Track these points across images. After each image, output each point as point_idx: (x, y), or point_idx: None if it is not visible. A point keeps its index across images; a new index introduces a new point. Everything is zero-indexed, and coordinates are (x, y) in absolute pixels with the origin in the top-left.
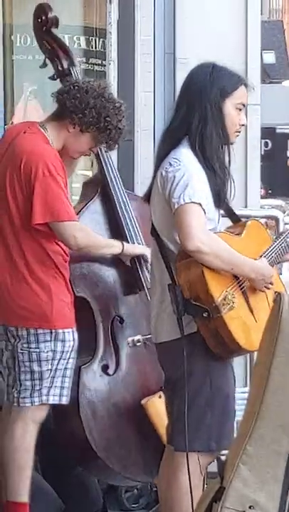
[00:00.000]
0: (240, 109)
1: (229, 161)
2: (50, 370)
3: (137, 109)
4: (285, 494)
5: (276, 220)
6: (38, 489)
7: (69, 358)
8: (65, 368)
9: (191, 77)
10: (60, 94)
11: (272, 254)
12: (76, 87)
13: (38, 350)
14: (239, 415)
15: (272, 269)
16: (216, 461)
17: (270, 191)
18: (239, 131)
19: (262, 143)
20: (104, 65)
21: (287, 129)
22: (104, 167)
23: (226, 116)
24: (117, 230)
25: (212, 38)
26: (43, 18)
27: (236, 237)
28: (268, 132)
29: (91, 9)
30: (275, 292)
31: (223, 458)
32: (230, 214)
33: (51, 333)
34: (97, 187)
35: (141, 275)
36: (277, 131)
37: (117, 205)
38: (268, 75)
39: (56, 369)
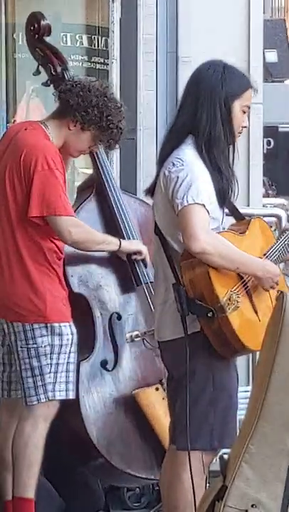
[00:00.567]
0: (244, 112)
1: (233, 161)
2: (50, 364)
3: (140, 107)
4: (287, 493)
5: (279, 218)
6: (39, 488)
7: (70, 352)
8: (68, 363)
9: (199, 75)
10: (63, 92)
11: (276, 253)
12: (78, 85)
13: (35, 345)
14: (242, 414)
15: (278, 268)
16: (218, 459)
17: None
18: (240, 133)
19: (264, 142)
20: (107, 64)
21: None
22: (99, 165)
23: (233, 117)
24: (113, 228)
25: (214, 37)
26: (36, 26)
27: (240, 236)
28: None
29: (93, 8)
30: (278, 291)
31: (225, 456)
32: (233, 212)
33: (46, 327)
34: (92, 187)
35: (138, 270)
36: (280, 129)
37: (113, 203)
38: (271, 73)
39: (58, 363)
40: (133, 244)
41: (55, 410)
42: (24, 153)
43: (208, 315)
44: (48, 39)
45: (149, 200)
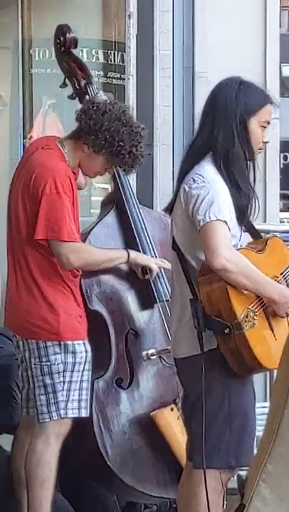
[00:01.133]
0: (264, 127)
1: (254, 178)
2: (63, 382)
3: (156, 123)
4: None
5: None
6: (56, 505)
7: (83, 370)
8: (81, 381)
9: (217, 93)
10: (81, 113)
11: None
12: (94, 108)
13: (48, 363)
14: (260, 430)
15: None
16: (235, 477)
17: None
18: (262, 149)
19: (281, 156)
20: (123, 79)
21: None
22: (118, 180)
23: (251, 134)
24: (132, 243)
25: (231, 52)
26: (62, 39)
27: (258, 254)
28: (287, 146)
29: (110, 23)
30: None
31: (242, 474)
32: (250, 229)
33: (60, 345)
34: (113, 203)
35: (154, 288)
36: None
37: (131, 218)
38: (287, 88)
39: (71, 381)
40: (143, 257)
41: (67, 428)
42: (36, 173)
43: (225, 331)
44: None
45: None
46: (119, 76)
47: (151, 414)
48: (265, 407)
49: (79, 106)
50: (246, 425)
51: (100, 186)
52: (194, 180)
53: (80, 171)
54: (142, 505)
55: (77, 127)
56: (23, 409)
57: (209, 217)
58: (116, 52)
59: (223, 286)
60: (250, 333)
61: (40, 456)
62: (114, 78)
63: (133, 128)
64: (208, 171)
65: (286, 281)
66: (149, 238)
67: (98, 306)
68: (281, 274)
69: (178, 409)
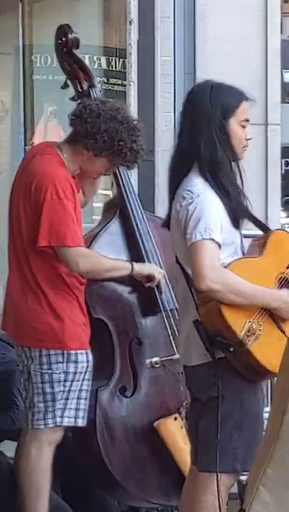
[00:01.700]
0: (244, 126)
1: (241, 179)
2: (63, 391)
3: (158, 129)
4: None
5: None
6: (56, 509)
7: (83, 380)
8: (80, 390)
9: (191, 100)
10: (74, 116)
11: None
12: (88, 110)
13: (50, 371)
14: None
15: None
16: (236, 483)
17: None
18: (246, 146)
19: (282, 162)
20: (125, 85)
21: None
22: (123, 188)
23: (232, 136)
24: (135, 251)
25: (232, 58)
26: (63, 39)
27: (256, 259)
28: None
29: (111, 30)
30: None
31: (243, 478)
32: (257, 224)
33: (63, 354)
34: (116, 208)
35: (158, 297)
36: None
37: (135, 227)
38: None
39: (70, 390)
40: (145, 268)
41: (60, 436)
42: (36, 180)
43: (230, 350)
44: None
45: None
46: (120, 82)
47: (154, 424)
48: (267, 412)
49: None
50: (255, 431)
51: (102, 192)
52: (184, 198)
53: (81, 192)
54: (143, 509)
55: (73, 132)
56: (26, 419)
57: (195, 237)
58: (117, 59)
59: (216, 307)
60: (255, 346)
61: (35, 464)
62: (116, 84)
63: (130, 124)
64: (196, 184)
65: None
66: (153, 246)
67: (102, 314)
68: (288, 267)
69: (181, 419)
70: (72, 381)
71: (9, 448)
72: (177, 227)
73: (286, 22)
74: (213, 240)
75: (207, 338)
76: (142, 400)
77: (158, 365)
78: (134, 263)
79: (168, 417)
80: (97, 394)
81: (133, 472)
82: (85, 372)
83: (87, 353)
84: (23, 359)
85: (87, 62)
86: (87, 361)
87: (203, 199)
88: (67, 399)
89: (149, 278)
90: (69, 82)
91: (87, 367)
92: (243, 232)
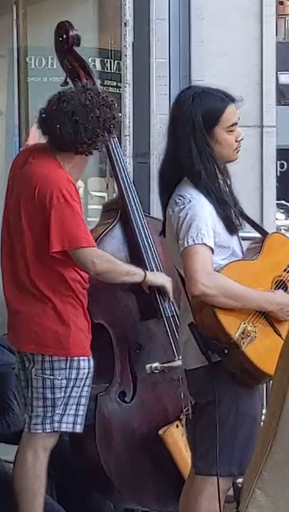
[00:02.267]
0: (232, 131)
1: (230, 182)
2: (63, 397)
3: (153, 131)
4: None
5: None
6: None
7: (83, 386)
8: (80, 396)
9: (174, 112)
10: (58, 125)
11: None
12: (67, 118)
13: (52, 377)
14: None
15: None
16: (231, 485)
17: None
18: (239, 147)
19: (277, 164)
20: (120, 87)
21: None
22: (124, 192)
23: (220, 144)
24: (136, 255)
25: (227, 60)
26: (64, 36)
27: (252, 261)
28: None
29: (106, 32)
30: None
31: (238, 481)
32: (255, 227)
33: (66, 360)
34: (117, 212)
35: (160, 305)
36: None
37: (136, 231)
38: (284, 95)
39: (70, 396)
40: (158, 278)
41: (55, 440)
42: (38, 187)
43: (225, 352)
44: None
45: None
46: (115, 84)
47: (159, 433)
48: (262, 414)
49: None
50: (251, 435)
51: (97, 194)
52: (176, 203)
53: None
54: (139, 511)
55: (58, 140)
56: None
57: (187, 243)
58: (113, 61)
59: (211, 310)
60: (250, 348)
61: (30, 469)
62: (111, 86)
63: (100, 100)
64: (187, 189)
65: None
66: (154, 251)
67: (102, 320)
68: (285, 270)
69: (182, 425)
70: (72, 387)
71: (7, 451)
72: (171, 232)
73: (281, 24)
74: (206, 244)
75: (202, 341)
76: (141, 406)
77: (158, 371)
78: (146, 271)
79: (170, 424)
80: (96, 399)
81: (130, 478)
82: (86, 379)
83: (89, 360)
84: (24, 361)
85: None
86: (89, 367)
87: (195, 204)
88: (66, 404)
89: (159, 288)
90: (69, 80)
91: (88, 373)
92: (241, 234)
